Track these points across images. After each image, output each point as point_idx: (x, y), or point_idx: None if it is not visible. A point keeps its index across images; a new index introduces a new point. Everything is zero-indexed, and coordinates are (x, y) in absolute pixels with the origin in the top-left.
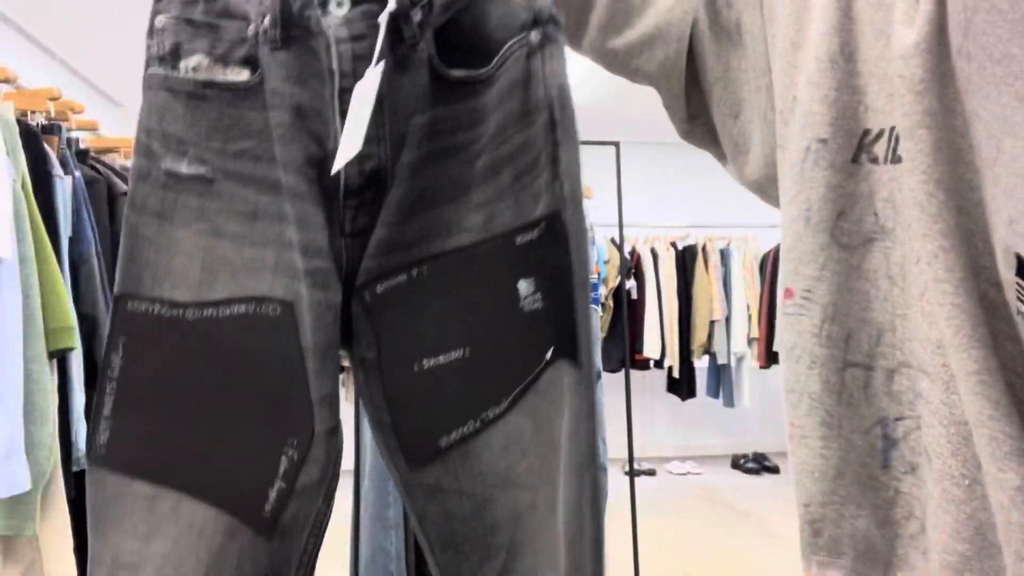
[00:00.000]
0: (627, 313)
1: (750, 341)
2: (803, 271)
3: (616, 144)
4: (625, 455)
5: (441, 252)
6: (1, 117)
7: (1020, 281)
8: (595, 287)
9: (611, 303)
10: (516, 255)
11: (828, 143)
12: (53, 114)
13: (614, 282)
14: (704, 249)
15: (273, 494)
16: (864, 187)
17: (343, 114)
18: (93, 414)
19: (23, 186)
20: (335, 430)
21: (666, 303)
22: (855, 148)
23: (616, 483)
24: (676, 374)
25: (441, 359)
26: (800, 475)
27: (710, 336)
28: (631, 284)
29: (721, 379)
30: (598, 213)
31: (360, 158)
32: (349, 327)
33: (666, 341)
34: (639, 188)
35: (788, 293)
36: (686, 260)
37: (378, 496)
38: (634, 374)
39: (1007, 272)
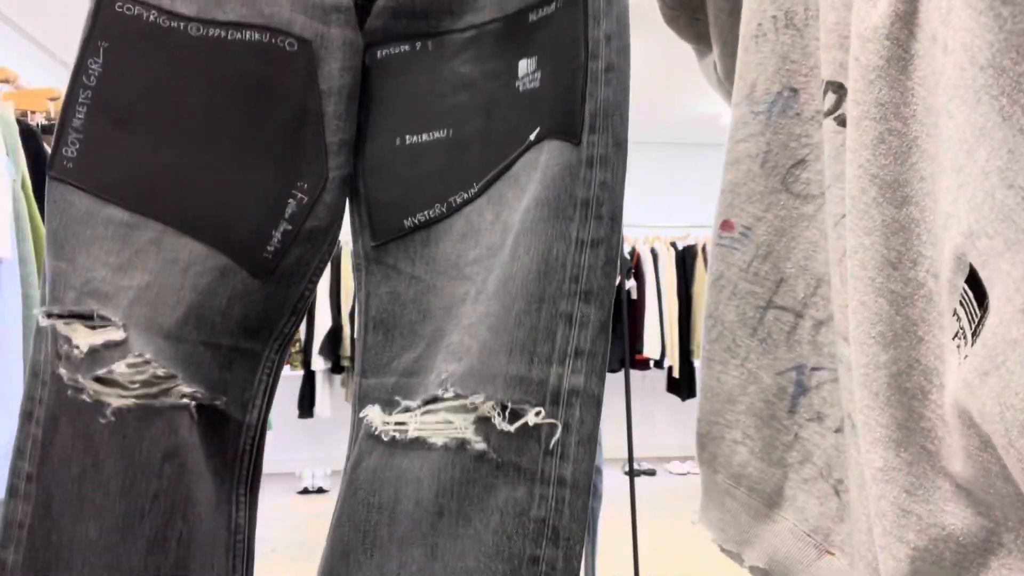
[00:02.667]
0: (627, 313)
1: None
2: (748, 208)
3: None
4: (625, 455)
5: (450, 30)
6: (1, 117)
7: (967, 288)
8: None
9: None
10: (525, 33)
11: (799, 94)
12: (53, 114)
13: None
14: (704, 249)
15: (277, 236)
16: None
17: None
18: (58, 125)
19: (23, 186)
20: (349, 178)
21: (666, 303)
22: (832, 103)
23: (616, 483)
24: (676, 374)
25: (424, 137)
26: (700, 394)
27: None
28: (631, 284)
29: None
30: None
31: None
32: None
33: (666, 341)
34: (639, 188)
35: (727, 225)
36: (686, 260)
37: None
38: (634, 374)
39: (957, 277)
